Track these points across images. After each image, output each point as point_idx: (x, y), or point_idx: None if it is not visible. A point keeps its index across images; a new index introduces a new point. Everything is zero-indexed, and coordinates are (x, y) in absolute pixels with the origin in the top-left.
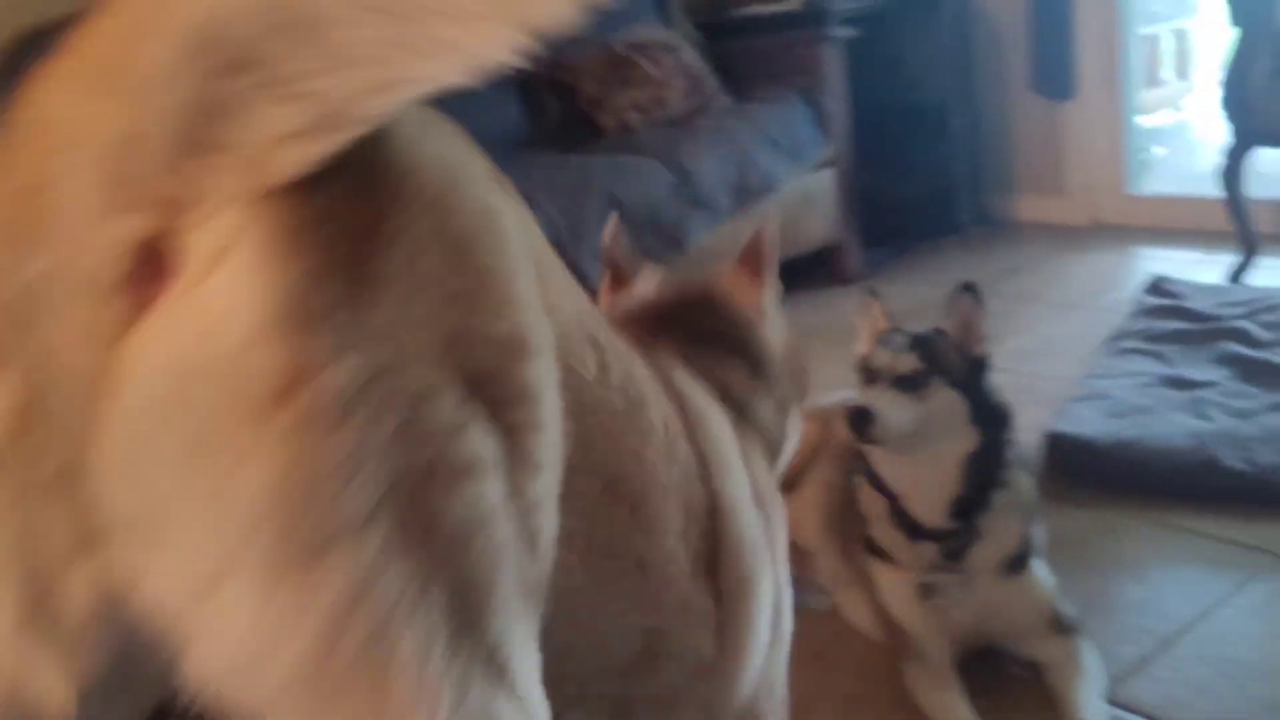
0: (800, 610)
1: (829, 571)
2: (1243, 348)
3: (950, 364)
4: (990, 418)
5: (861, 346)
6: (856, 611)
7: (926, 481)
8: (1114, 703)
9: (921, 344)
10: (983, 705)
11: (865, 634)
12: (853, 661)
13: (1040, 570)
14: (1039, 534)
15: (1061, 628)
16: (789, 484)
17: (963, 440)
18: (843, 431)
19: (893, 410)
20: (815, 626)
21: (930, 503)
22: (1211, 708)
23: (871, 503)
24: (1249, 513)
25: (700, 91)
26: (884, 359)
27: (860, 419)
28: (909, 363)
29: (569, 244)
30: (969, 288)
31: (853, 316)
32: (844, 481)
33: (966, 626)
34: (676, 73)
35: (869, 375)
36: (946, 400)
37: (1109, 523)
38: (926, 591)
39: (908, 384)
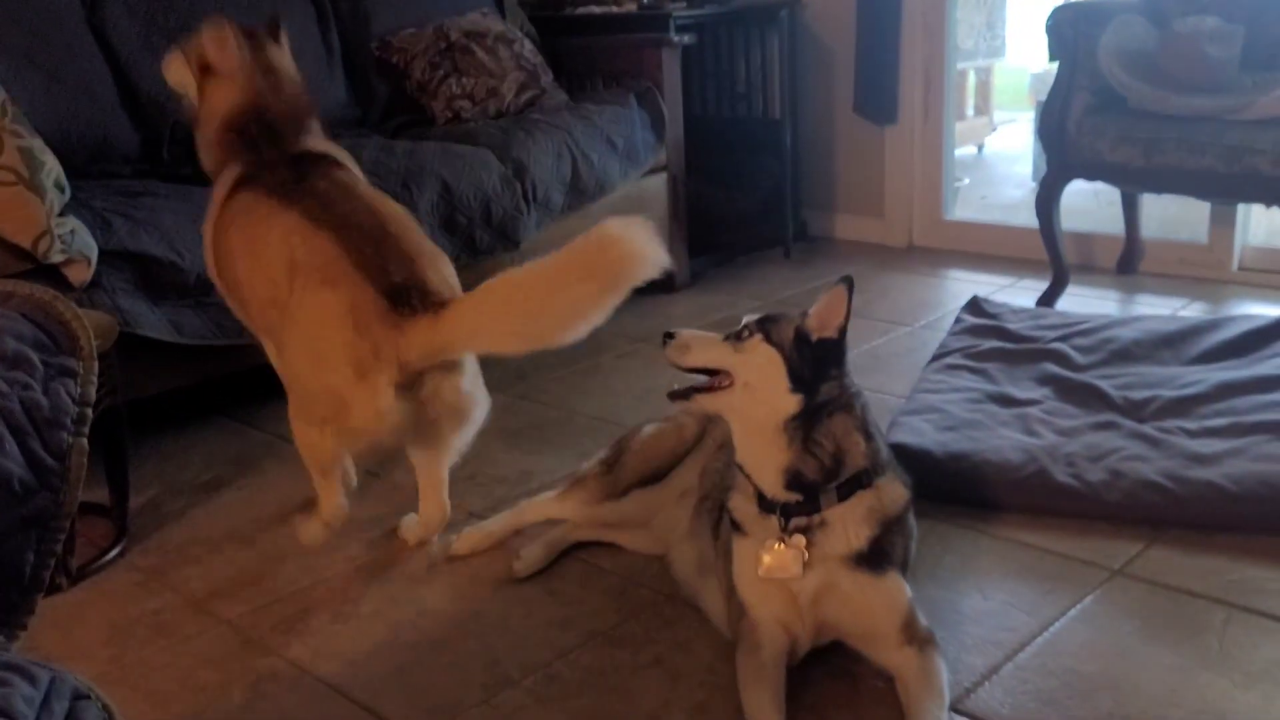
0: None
1: (694, 556)
2: (1061, 369)
3: (780, 331)
4: (815, 388)
5: None
6: (712, 600)
7: (756, 443)
8: (964, 713)
9: (765, 318)
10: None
11: (717, 630)
12: (700, 670)
13: (895, 580)
14: (906, 548)
15: (916, 640)
16: (659, 475)
17: (781, 401)
18: (719, 435)
19: (700, 341)
20: (659, 632)
21: (763, 468)
22: (1060, 718)
23: (733, 478)
24: (1080, 527)
25: (536, 85)
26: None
27: (667, 335)
28: (745, 324)
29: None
30: (846, 279)
31: None
32: (720, 468)
33: (813, 615)
34: (513, 65)
35: None
36: (761, 354)
37: (947, 534)
38: (761, 565)
39: (735, 337)
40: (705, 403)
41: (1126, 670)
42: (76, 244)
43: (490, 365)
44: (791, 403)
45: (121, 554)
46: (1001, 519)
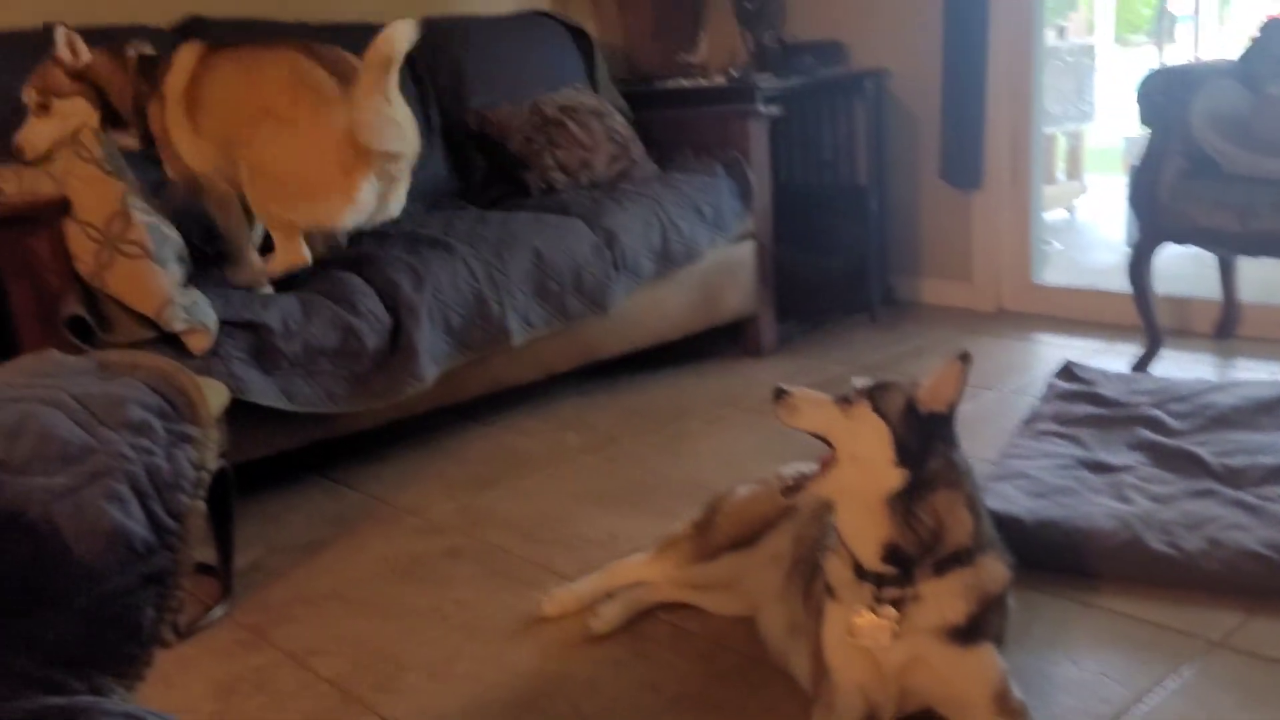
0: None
1: (785, 619)
2: (1156, 435)
3: (888, 401)
4: (923, 465)
5: None
6: (800, 662)
7: (857, 516)
8: None
9: (879, 384)
10: None
11: (804, 694)
12: None
13: (990, 652)
14: (1002, 625)
15: (1008, 711)
16: (752, 539)
17: (886, 475)
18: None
19: (810, 403)
20: (746, 697)
21: (862, 540)
22: None
23: (831, 540)
24: (1175, 597)
25: (626, 157)
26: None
27: (779, 392)
28: (857, 385)
29: (489, 296)
30: (963, 355)
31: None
32: (814, 535)
33: (900, 684)
34: (604, 138)
35: None
36: (868, 423)
37: (1037, 602)
38: (852, 629)
39: (844, 400)
40: (816, 489)
41: None
42: (197, 314)
43: (581, 429)
44: (896, 477)
45: (227, 612)
46: (1094, 587)
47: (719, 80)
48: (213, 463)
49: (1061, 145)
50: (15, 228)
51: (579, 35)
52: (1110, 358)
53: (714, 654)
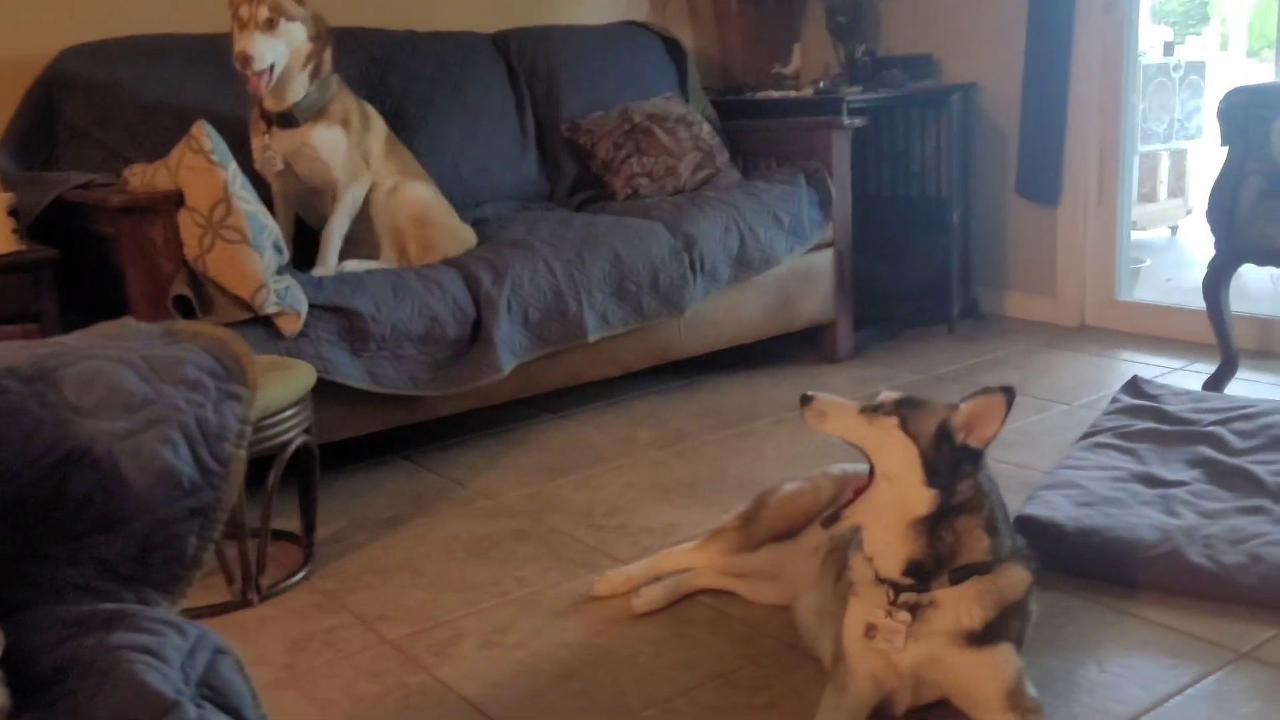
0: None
1: (816, 603)
2: (1216, 452)
3: (919, 422)
4: (952, 488)
5: None
6: (825, 645)
7: (884, 536)
8: None
9: (912, 398)
10: None
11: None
12: (812, 716)
13: (1006, 651)
14: (1022, 629)
15: (1020, 708)
16: (794, 532)
17: (916, 497)
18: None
19: (836, 409)
20: (777, 678)
21: (887, 558)
22: None
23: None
24: (1211, 609)
25: (711, 165)
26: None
27: (805, 398)
28: (887, 399)
29: (567, 293)
30: (1006, 390)
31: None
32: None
33: (915, 678)
34: (690, 145)
35: None
36: (896, 441)
37: (1072, 607)
38: (869, 630)
39: (875, 409)
40: (852, 515)
41: None
42: (289, 299)
43: (653, 425)
44: (926, 499)
45: (306, 577)
46: (1131, 596)
47: (808, 92)
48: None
49: (1166, 163)
50: (136, 216)
51: (672, 45)
52: (1186, 376)
53: (751, 638)
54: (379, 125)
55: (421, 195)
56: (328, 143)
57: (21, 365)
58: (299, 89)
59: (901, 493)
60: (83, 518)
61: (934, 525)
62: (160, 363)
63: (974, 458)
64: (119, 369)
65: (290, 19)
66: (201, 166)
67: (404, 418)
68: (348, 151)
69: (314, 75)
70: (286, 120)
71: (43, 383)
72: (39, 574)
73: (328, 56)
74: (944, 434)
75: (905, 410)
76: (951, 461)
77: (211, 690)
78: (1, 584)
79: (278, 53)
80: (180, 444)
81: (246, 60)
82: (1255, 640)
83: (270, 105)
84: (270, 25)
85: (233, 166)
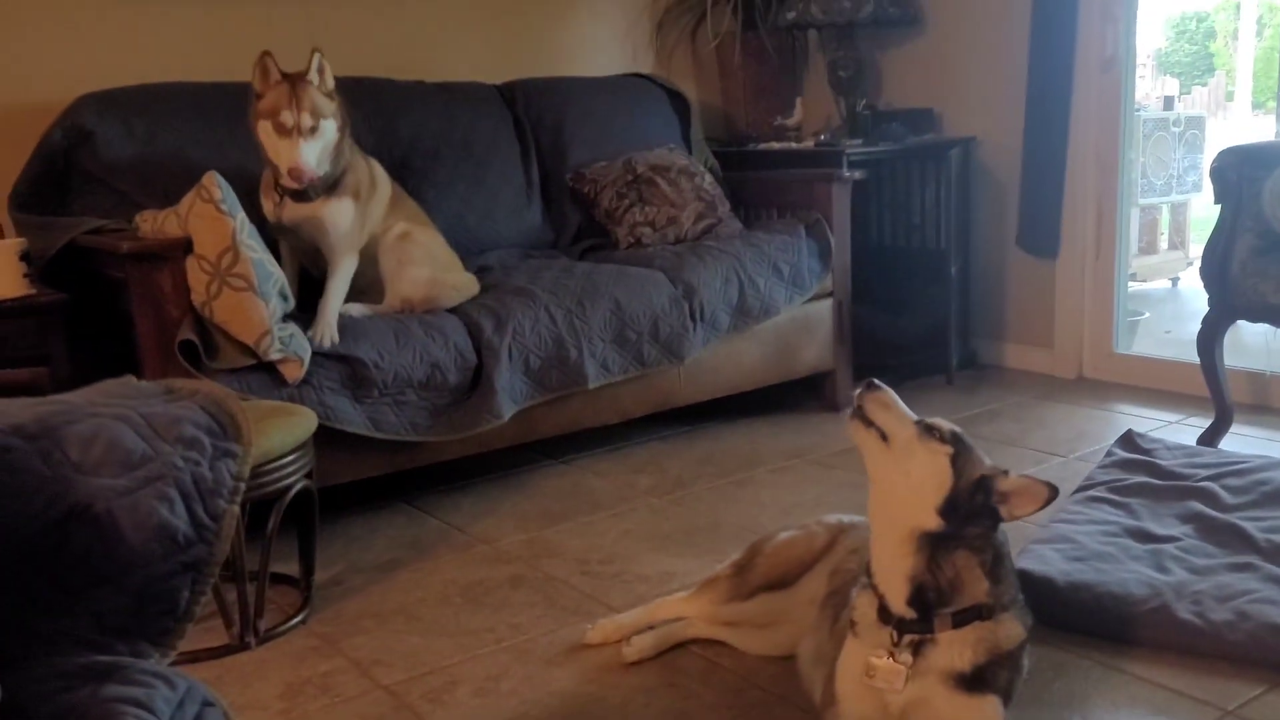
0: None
1: (813, 648)
2: (1207, 508)
3: (965, 464)
4: (962, 524)
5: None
6: (816, 689)
7: (888, 542)
8: None
9: (960, 436)
10: None
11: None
12: None
13: (993, 704)
14: (1011, 681)
15: None
16: (788, 581)
17: (923, 512)
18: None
19: (899, 411)
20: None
21: (892, 573)
22: None
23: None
24: (1199, 666)
25: (713, 215)
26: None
27: (869, 383)
28: (941, 421)
29: (568, 340)
30: (1053, 488)
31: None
32: (849, 569)
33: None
34: (693, 196)
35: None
36: (937, 465)
37: (1062, 661)
38: (870, 671)
39: (924, 427)
40: (859, 432)
41: None
42: (293, 345)
43: (652, 472)
44: (933, 521)
45: (304, 621)
46: (1121, 652)
47: (810, 144)
48: (290, 481)
49: (1166, 216)
50: (146, 262)
51: (676, 98)
52: (1182, 430)
53: (742, 689)
54: (384, 186)
55: (429, 242)
56: (336, 214)
57: (28, 423)
58: (320, 169)
59: (912, 498)
60: (81, 572)
61: (936, 547)
62: (159, 420)
63: (994, 519)
64: (119, 427)
65: (326, 118)
66: (211, 215)
67: (404, 462)
68: (353, 221)
69: (334, 156)
70: (301, 195)
71: (47, 440)
72: (38, 626)
73: (347, 135)
74: (983, 486)
75: (960, 447)
76: (972, 510)
77: None
78: (1, 636)
79: (322, 154)
80: (176, 500)
81: (300, 174)
82: (1241, 698)
83: (289, 184)
84: (314, 132)
85: (241, 216)
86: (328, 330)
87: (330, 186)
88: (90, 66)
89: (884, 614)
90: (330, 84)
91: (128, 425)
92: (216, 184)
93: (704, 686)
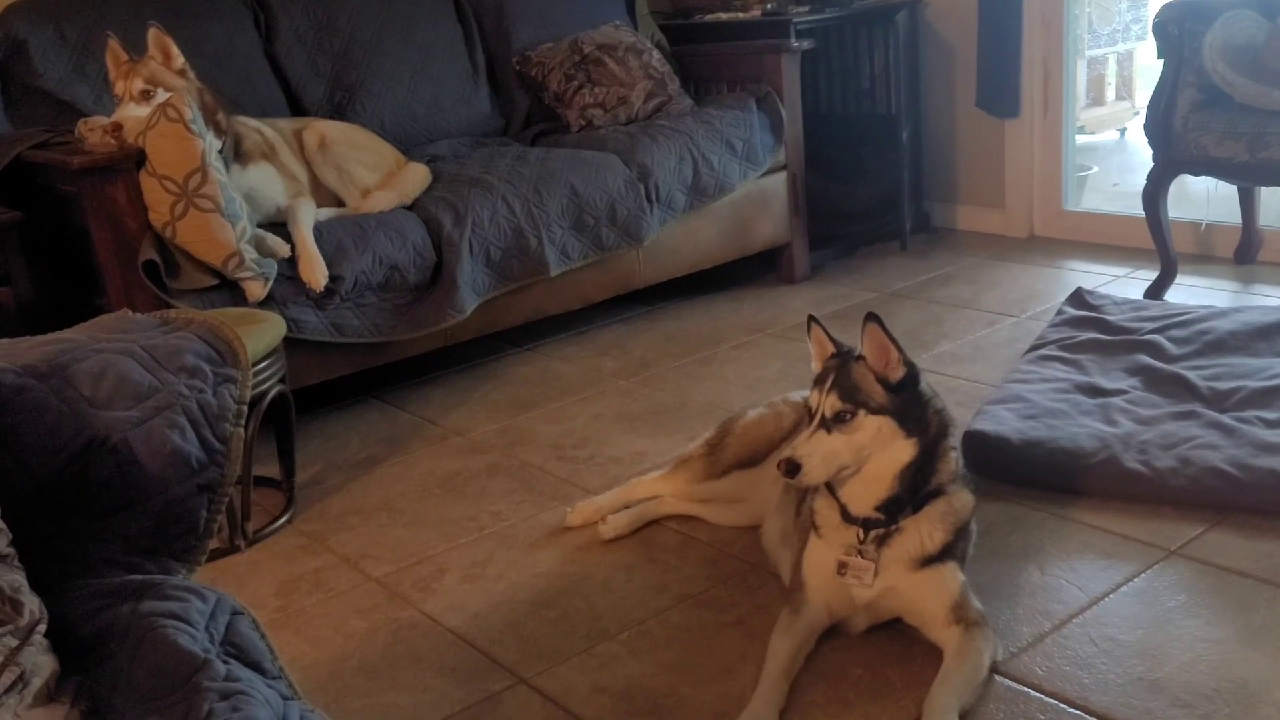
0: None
1: (778, 528)
2: (1153, 360)
3: (872, 394)
4: (925, 425)
5: (814, 364)
6: (785, 566)
7: (864, 488)
8: (1006, 676)
9: (841, 383)
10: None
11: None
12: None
13: (952, 569)
14: (966, 547)
15: (964, 620)
16: (758, 458)
17: (900, 453)
18: None
19: (819, 451)
20: (743, 597)
21: (864, 500)
22: (1092, 681)
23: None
24: (1144, 511)
25: (663, 93)
26: (814, 399)
27: (791, 468)
28: (833, 404)
29: (527, 229)
30: (872, 316)
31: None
32: None
33: (869, 606)
34: (641, 74)
35: (809, 411)
36: (873, 425)
37: (1017, 515)
38: (840, 569)
39: (837, 420)
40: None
41: (1164, 641)
42: (266, 266)
43: (617, 354)
44: (909, 448)
45: (289, 521)
46: (1072, 503)
47: (755, 13)
48: (267, 388)
49: (1113, 66)
50: (96, 176)
51: None
52: (1131, 284)
53: (717, 560)
54: (271, 132)
55: (338, 124)
56: (259, 179)
57: (37, 363)
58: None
59: (888, 457)
60: (105, 500)
61: (920, 465)
62: (161, 352)
63: (912, 380)
64: (125, 361)
65: (168, 90)
66: (179, 135)
67: (372, 360)
68: (276, 176)
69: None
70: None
71: (58, 378)
72: (69, 552)
73: (223, 109)
74: (881, 381)
75: (852, 396)
76: (905, 399)
77: (234, 648)
78: (37, 562)
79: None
80: (186, 428)
81: (123, 132)
82: (1183, 538)
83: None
84: (145, 97)
85: (210, 137)
86: (318, 269)
87: (237, 157)
88: None
89: (848, 517)
90: (179, 62)
91: (132, 359)
92: (186, 102)
93: (681, 560)
